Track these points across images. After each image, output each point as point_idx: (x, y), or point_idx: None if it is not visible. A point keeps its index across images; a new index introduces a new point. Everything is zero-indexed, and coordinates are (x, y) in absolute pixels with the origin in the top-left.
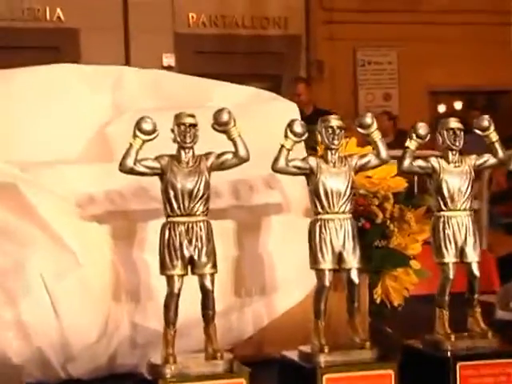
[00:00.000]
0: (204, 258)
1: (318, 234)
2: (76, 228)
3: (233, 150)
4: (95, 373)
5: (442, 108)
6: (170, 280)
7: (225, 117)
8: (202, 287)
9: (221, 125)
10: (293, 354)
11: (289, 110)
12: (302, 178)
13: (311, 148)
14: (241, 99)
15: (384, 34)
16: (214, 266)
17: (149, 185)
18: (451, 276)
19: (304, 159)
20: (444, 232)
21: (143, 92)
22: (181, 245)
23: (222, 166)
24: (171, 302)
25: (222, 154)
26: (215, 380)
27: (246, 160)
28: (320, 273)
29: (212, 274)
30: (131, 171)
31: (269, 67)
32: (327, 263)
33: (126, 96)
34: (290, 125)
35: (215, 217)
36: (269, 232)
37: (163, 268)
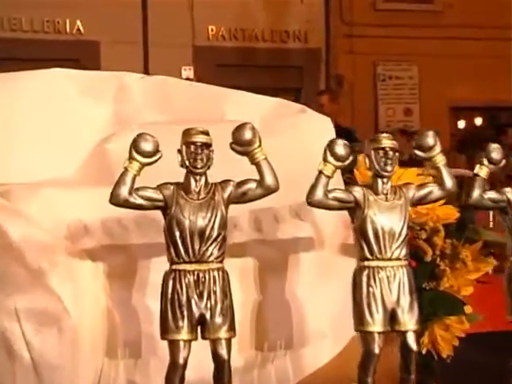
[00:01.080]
0: (218, 319)
1: (366, 287)
2: (64, 267)
3: (257, 177)
4: None
5: (461, 124)
6: (173, 346)
7: (247, 134)
8: (216, 356)
9: (242, 144)
10: None
11: (323, 126)
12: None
13: (348, 173)
14: (263, 112)
15: (405, 48)
16: (231, 328)
17: (154, 213)
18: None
19: (347, 190)
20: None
21: (148, 102)
22: (188, 300)
23: (243, 198)
24: (175, 375)
25: (243, 182)
26: None
27: (273, 190)
28: (368, 336)
29: (228, 340)
30: (125, 203)
31: (288, 81)
32: (377, 325)
33: (130, 107)
34: (331, 146)
35: (232, 253)
36: (297, 272)
37: (165, 331)
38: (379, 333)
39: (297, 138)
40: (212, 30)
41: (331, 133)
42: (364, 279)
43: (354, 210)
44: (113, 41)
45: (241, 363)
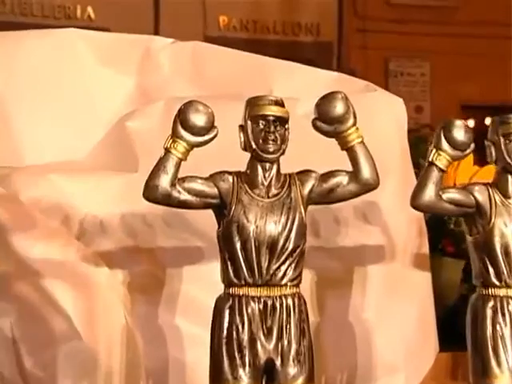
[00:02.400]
0: (293, 366)
1: (491, 324)
2: (73, 276)
3: (348, 168)
4: None
5: (471, 123)
6: None
7: (339, 108)
8: None
9: (331, 122)
10: None
11: (395, 107)
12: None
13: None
14: (319, 87)
15: (418, 45)
16: (310, 379)
17: (189, 211)
18: None
19: (466, 190)
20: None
21: (180, 72)
22: (252, 339)
23: (329, 197)
24: None
25: (330, 174)
26: None
27: (372, 186)
28: None
29: None
30: (165, 199)
31: None
32: (506, 378)
33: (157, 77)
34: (447, 128)
35: None
36: (363, 289)
37: (217, 380)
38: None
39: (364, 119)
40: (224, 20)
41: (404, 116)
42: (488, 313)
43: (474, 217)
44: (123, 28)
45: None
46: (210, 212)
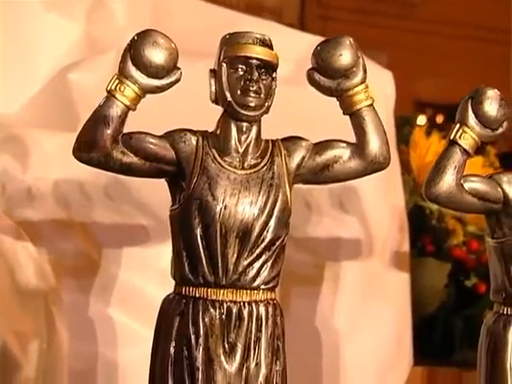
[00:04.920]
0: None
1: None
2: None
3: (350, 138)
4: None
5: (423, 119)
6: None
7: (345, 57)
8: None
9: (335, 74)
10: None
11: (381, 77)
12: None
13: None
14: (300, 52)
15: (378, 37)
16: None
17: (135, 179)
18: None
19: (493, 179)
20: None
21: (137, 24)
22: (209, 359)
23: (323, 175)
24: None
25: (327, 145)
26: None
27: (382, 165)
28: None
29: None
30: (105, 160)
31: None
32: None
33: (109, 27)
34: (478, 99)
35: None
36: (335, 289)
37: None
38: None
39: None
40: None
41: (392, 91)
42: (510, 339)
43: (499, 215)
44: None
45: None
46: (159, 186)
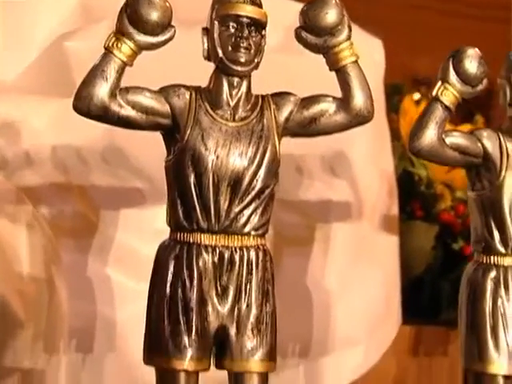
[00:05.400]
0: (251, 338)
1: (491, 299)
2: None
3: (337, 94)
4: None
5: (417, 96)
6: (167, 380)
7: (331, 15)
8: None
9: (321, 32)
10: None
11: (374, 49)
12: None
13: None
14: (289, 19)
15: (372, 13)
16: (271, 355)
17: (131, 144)
18: None
19: (473, 135)
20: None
21: None
22: (202, 300)
23: (310, 128)
24: None
25: (314, 100)
26: None
27: (367, 118)
28: (488, 380)
29: (264, 376)
30: (103, 113)
31: None
32: (504, 364)
33: None
34: (458, 57)
35: None
36: (326, 249)
37: (154, 351)
38: (506, 378)
39: None
40: None
41: (382, 60)
42: (489, 286)
43: (479, 169)
44: None
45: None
46: (154, 150)
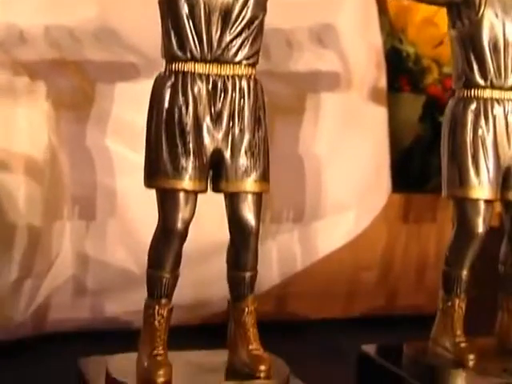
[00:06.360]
0: (245, 159)
1: (472, 129)
2: None
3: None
4: (14, 332)
5: None
6: (167, 201)
7: None
8: (236, 221)
9: None
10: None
11: None
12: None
13: None
14: None
15: None
16: (264, 177)
17: (124, 24)
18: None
19: None
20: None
21: None
22: (197, 125)
23: None
24: (166, 248)
25: None
26: None
27: None
28: (469, 207)
29: (258, 196)
30: None
31: None
32: (485, 189)
33: None
34: None
35: None
36: (315, 118)
37: (154, 173)
38: (487, 202)
39: None
40: None
41: None
42: (470, 117)
43: (459, 7)
44: None
45: (227, 236)
46: (148, 28)
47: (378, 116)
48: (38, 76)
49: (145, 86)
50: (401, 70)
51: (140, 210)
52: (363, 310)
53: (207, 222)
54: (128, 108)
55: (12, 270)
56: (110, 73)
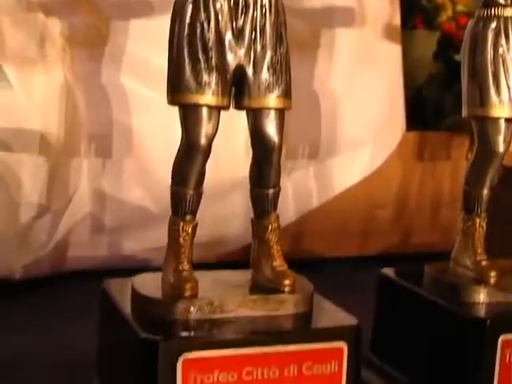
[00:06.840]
0: (267, 76)
1: (492, 48)
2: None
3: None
4: (34, 270)
5: None
6: (190, 116)
7: None
8: (259, 138)
9: None
10: (395, 274)
11: None
12: None
13: None
14: None
15: None
16: (287, 93)
17: None
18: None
19: None
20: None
21: None
22: (219, 40)
23: None
24: (191, 163)
25: None
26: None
27: None
28: (489, 125)
29: (281, 112)
30: None
31: None
32: (505, 108)
33: None
34: None
35: None
36: (330, 54)
37: (177, 89)
38: (508, 120)
39: None
40: None
41: None
42: (490, 36)
43: None
44: None
45: (244, 173)
46: None
47: (392, 53)
48: (51, 14)
49: (159, 23)
50: (415, 8)
51: (156, 148)
52: (378, 248)
53: (223, 159)
54: (142, 45)
55: (31, 206)
56: (124, 10)
